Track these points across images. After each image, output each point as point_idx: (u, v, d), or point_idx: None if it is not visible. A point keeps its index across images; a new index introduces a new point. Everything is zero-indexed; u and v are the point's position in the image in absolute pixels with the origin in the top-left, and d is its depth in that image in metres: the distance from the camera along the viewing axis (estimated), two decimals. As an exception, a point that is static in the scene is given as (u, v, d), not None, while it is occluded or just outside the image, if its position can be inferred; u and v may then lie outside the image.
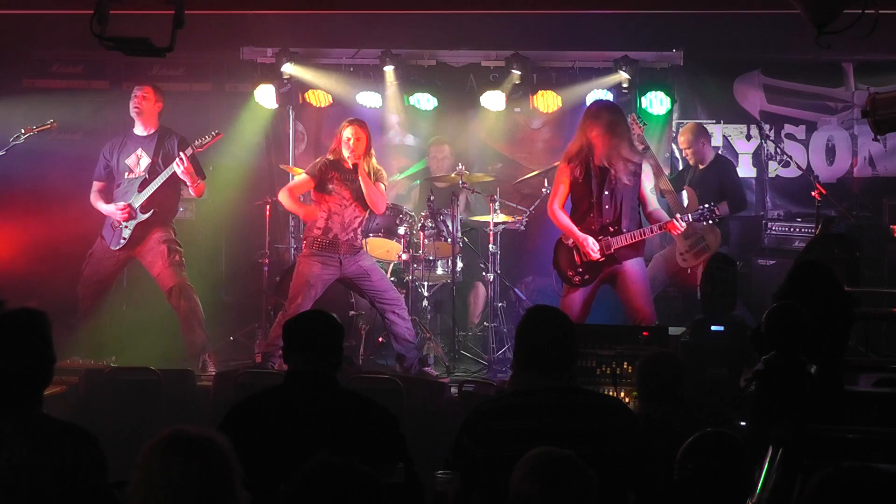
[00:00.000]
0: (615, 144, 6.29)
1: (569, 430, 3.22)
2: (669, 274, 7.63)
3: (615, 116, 6.39)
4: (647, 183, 6.42)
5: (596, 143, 6.30)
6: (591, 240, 6.35)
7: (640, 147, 7.10)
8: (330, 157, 6.92)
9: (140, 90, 7.25)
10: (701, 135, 7.87)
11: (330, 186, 6.85)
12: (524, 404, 3.32)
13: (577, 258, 6.45)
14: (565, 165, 6.45)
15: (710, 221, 6.62)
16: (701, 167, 7.82)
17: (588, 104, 7.56)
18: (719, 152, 8.33)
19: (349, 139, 6.79)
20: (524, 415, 3.29)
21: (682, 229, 6.40)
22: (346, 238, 6.87)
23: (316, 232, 6.88)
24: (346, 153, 6.78)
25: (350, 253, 6.89)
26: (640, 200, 6.44)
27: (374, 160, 6.93)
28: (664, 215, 6.45)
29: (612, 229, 6.36)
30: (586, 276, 6.44)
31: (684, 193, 7.57)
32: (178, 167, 7.01)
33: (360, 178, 6.76)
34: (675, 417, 4.19)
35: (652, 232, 6.40)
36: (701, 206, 6.59)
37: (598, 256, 6.35)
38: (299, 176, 7.07)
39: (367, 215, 7.05)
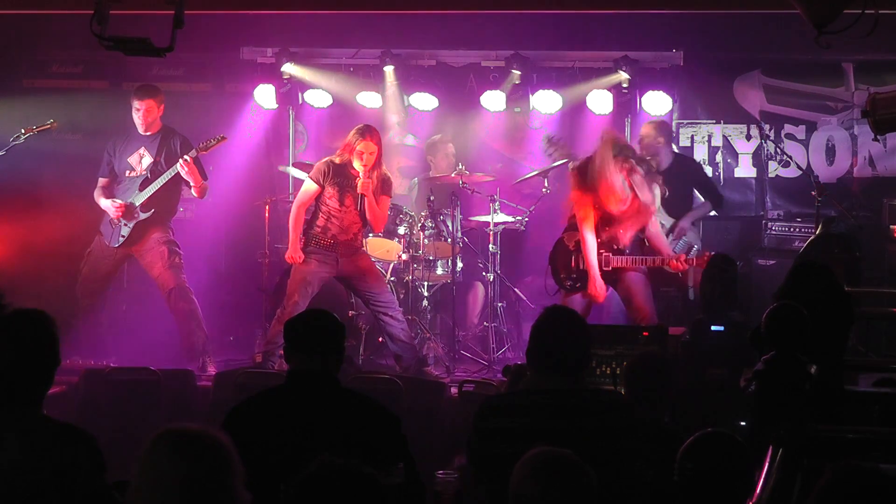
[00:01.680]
0: (621, 178, 6.32)
1: (574, 431, 3.23)
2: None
3: (621, 150, 6.40)
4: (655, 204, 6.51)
5: (602, 174, 6.32)
6: (600, 283, 6.40)
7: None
8: (336, 159, 6.85)
9: (140, 104, 7.15)
10: (658, 133, 7.62)
11: (331, 190, 6.83)
12: (532, 403, 3.34)
13: (573, 263, 6.48)
14: (580, 194, 6.43)
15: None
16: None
17: (602, 133, 6.91)
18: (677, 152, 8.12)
19: (362, 153, 6.72)
20: (531, 413, 3.31)
21: (685, 269, 6.53)
22: (345, 238, 6.87)
23: (315, 230, 6.87)
24: (357, 165, 6.74)
25: (349, 252, 6.89)
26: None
27: (383, 167, 6.92)
28: (664, 242, 6.56)
29: (615, 247, 6.43)
30: (577, 285, 6.53)
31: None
32: (182, 169, 7.02)
33: (365, 199, 6.75)
34: (664, 418, 4.18)
35: (654, 263, 6.47)
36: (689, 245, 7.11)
37: (601, 301, 6.50)
38: (306, 184, 6.95)
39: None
